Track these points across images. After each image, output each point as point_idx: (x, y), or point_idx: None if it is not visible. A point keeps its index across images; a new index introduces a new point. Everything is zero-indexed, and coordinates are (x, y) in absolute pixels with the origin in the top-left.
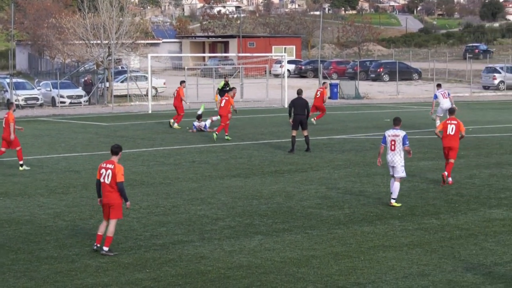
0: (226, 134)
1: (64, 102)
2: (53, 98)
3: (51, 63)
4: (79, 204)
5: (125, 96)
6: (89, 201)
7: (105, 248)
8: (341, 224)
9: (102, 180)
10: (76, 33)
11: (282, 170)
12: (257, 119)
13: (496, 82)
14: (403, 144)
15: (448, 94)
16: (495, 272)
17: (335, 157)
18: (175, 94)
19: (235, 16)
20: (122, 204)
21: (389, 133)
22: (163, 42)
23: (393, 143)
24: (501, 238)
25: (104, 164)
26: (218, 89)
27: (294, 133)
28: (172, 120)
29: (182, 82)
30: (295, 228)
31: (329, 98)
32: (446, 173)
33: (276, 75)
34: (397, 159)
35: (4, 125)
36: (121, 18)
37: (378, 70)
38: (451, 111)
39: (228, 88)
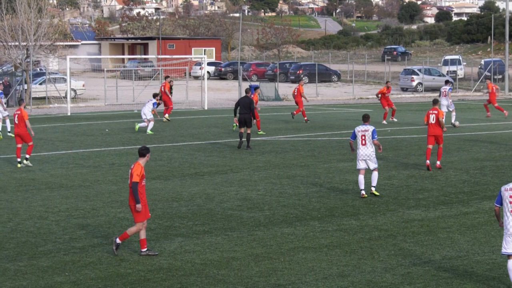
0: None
1: None
2: None
3: None
4: None
5: (44, 98)
6: (7, 204)
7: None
8: (261, 225)
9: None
10: None
11: (202, 172)
12: (177, 121)
13: (414, 84)
14: (372, 138)
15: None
16: (413, 272)
17: (255, 158)
18: (163, 89)
19: (154, 18)
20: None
21: (359, 128)
22: (82, 44)
23: (363, 137)
24: (419, 238)
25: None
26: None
27: (242, 130)
28: (166, 116)
29: (167, 77)
30: (215, 230)
31: None
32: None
33: (196, 77)
34: (370, 152)
35: (18, 122)
36: (39, 20)
37: (298, 72)
38: (434, 101)
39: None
